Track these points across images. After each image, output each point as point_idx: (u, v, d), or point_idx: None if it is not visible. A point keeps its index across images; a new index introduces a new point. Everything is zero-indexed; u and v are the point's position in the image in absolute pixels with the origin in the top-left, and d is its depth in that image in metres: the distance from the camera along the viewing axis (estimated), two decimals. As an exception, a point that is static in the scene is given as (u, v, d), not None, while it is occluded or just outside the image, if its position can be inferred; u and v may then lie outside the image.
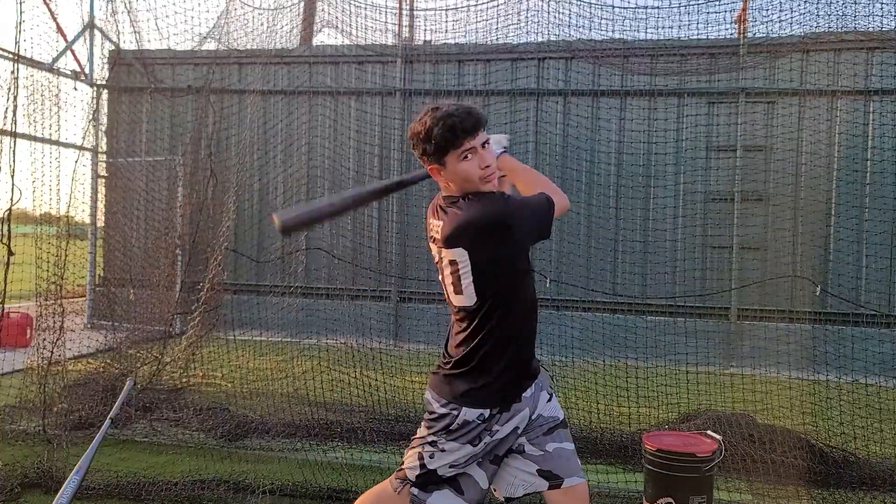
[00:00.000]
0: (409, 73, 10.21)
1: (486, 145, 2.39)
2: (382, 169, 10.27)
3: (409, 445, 2.57)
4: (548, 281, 9.47)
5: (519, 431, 2.47)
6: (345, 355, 6.42)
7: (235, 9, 9.67)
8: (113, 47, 10.43)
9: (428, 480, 2.48)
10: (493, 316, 2.39)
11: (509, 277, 2.39)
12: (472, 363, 2.41)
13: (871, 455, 4.88)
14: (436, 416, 2.46)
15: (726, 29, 8.99)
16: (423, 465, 2.47)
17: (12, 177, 5.49)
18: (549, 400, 2.53)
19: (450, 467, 2.45)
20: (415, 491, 2.49)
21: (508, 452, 2.50)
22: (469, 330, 2.42)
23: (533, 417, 2.48)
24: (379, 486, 2.65)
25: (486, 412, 2.39)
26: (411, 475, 2.50)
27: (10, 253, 5.09)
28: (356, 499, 4.08)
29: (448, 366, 2.47)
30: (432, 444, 2.46)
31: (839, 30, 8.27)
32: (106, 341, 7.64)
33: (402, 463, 2.56)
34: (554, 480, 2.45)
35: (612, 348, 7.23)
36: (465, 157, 2.35)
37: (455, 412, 2.40)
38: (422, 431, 2.52)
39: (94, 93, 10.13)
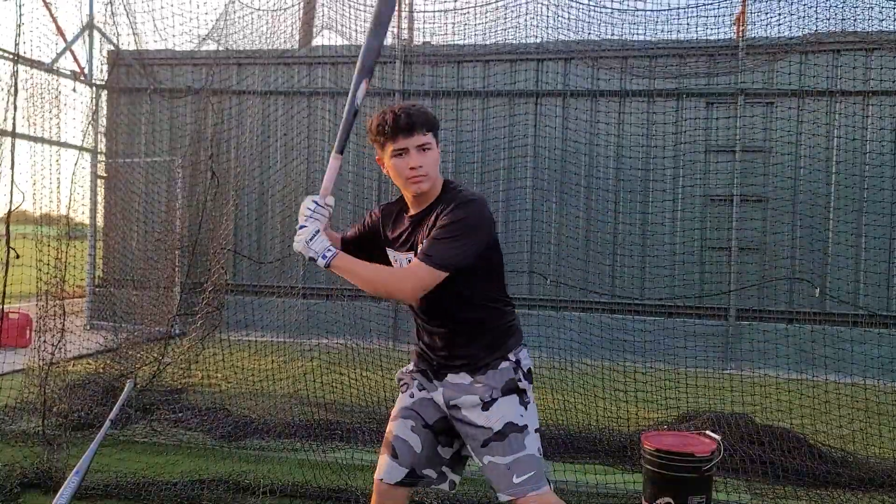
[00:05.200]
0: (408, 74, 10.22)
1: (426, 150, 2.45)
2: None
3: None
4: (547, 281, 9.49)
5: (442, 407, 2.58)
6: (344, 356, 6.43)
7: (235, 10, 9.68)
8: (112, 48, 10.44)
9: (384, 446, 2.65)
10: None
11: None
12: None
13: (869, 455, 4.89)
14: None
15: (724, 32, 9.01)
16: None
17: (12, 178, 5.49)
18: (485, 408, 2.47)
19: (391, 419, 2.66)
20: None
21: (451, 430, 2.59)
22: None
23: (453, 404, 2.54)
24: None
25: (411, 365, 2.72)
26: None
27: (16, 255, 5.09)
28: (355, 499, 4.12)
29: None
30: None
31: (838, 31, 8.30)
32: (106, 342, 7.65)
33: None
34: (494, 491, 2.51)
35: (610, 349, 7.24)
36: (399, 154, 2.46)
37: None
38: None
39: (94, 93, 10.14)
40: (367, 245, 2.72)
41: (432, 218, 2.46)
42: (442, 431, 2.60)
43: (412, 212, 2.58)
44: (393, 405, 2.74)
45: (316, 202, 2.52)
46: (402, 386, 2.70)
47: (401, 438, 2.58)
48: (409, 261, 2.52)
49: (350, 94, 2.54)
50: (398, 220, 2.65)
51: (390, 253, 2.65)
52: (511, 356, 2.55)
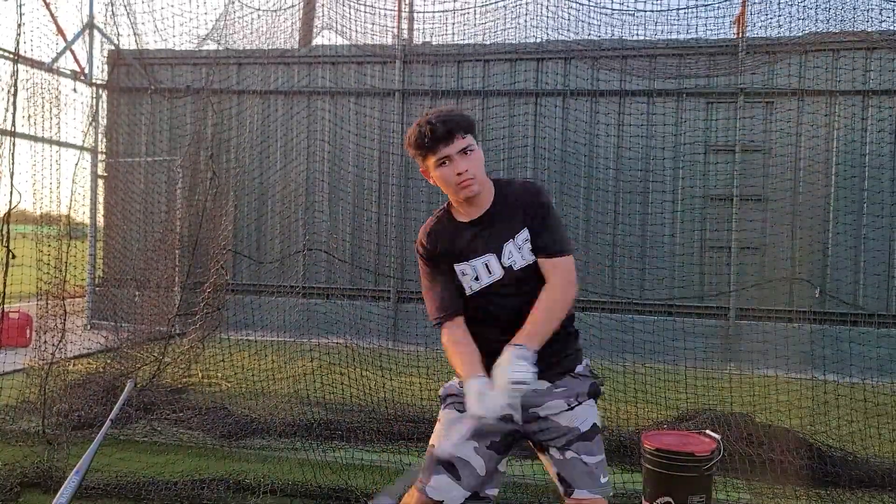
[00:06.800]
0: (408, 73, 10.23)
1: (469, 152, 2.42)
2: (381, 170, 10.29)
3: None
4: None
5: (516, 421, 2.44)
6: (344, 356, 6.43)
7: (235, 10, 9.69)
8: (112, 48, 10.44)
9: (432, 464, 2.49)
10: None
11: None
12: None
13: (868, 455, 4.89)
14: None
15: (724, 32, 9.02)
16: (430, 453, 2.52)
17: (12, 178, 5.49)
18: (570, 409, 2.49)
19: (444, 437, 2.48)
20: (421, 479, 2.52)
21: (512, 442, 2.52)
22: None
23: (533, 411, 2.47)
24: None
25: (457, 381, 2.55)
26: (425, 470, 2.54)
27: (12, 256, 5.08)
28: (355, 498, 4.12)
29: None
30: (439, 421, 2.59)
31: (838, 31, 8.30)
32: (106, 342, 7.65)
33: None
34: (567, 487, 2.46)
35: (610, 349, 7.23)
36: (442, 163, 2.42)
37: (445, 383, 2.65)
38: None
39: (94, 93, 10.14)
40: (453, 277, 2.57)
41: (516, 214, 2.46)
42: (506, 448, 2.53)
43: (470, 217, 2.52)
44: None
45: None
46: (452, 404, 2.55)
47: (464, 461, 2.46)
48: (487, 264, 2.48)
49: None
50: (456, 233, 2.54)
51: (459, 266, 2.52)
52: (583, 361, 2.60)
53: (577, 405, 2.50)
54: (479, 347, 2.50)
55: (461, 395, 2.50)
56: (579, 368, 2.56)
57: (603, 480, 2.47)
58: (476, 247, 2.50)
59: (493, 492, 2.54)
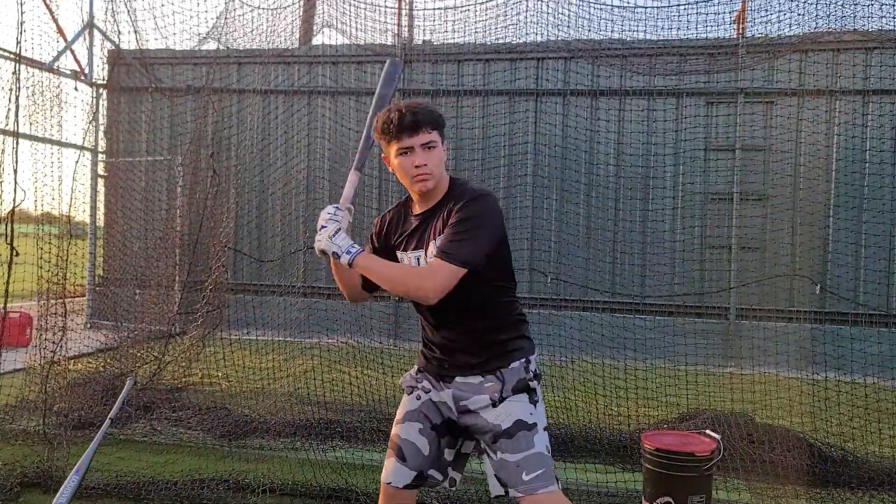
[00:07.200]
0: (409, 72, 10.22)
1: (431, 147, 2.46)
2: (382, 168, 10.28)
3: None
4: (548, 279, 9.50)
5: (452, 409, 2.54)
6: (345, 355, 6.43)
7: (235, 9, 9.68)
8: (112, 47, 10.44)
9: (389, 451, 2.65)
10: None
11: None
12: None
13: (869, 454, 4.90)
14: None
15: (724, 30, 9.00)
16: None
17: (15, 177, 5.49)
18: (494, 406, 2.47)
19: (396, 423, 2.63)
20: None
21: (454, 431, 2.58)
22: None
23: (463, 405, 2.51)
24: None
25: (415, 368, 2.69)
26: None
27: (16, 253, 5.08)
28: (355, 498, 4.12)
29: None
30: None
31: (838, 30, 8.29)
32: (106, 341, 7.66)
33: None
34: (504, 487, 2.47)
35: (611, 348, 7.24)
36: (404, 153, 2.46)
37: None
38: None
39: (94, 92, 10.14)
40: (383, 257, 2.67)
41: (443, 214, 2.46)
42: (447, 433, 2.58)
43: (418, 210, 2.57)
44: (394, 404, 2.74)
45: (336, 207, 2.51)
46: (407, 389, 2.67)
47: (409, 441, 2.57)
48: (419, 259, 2.51)
49: (367, 123, 2.61)
50: (404, 221, 2.62)
51: (399, 255, 2.61)
52: (522, 358, 2.53)
53: (500, 401, 2.47)
54: (425, 338, 2.64)
55: (412, 380, 2.66)
56: (514, 365, 2.50)
57: (526, 477, 2.40)
58: (412, 241, 2.56)
59: (437, 475, 2.59)
